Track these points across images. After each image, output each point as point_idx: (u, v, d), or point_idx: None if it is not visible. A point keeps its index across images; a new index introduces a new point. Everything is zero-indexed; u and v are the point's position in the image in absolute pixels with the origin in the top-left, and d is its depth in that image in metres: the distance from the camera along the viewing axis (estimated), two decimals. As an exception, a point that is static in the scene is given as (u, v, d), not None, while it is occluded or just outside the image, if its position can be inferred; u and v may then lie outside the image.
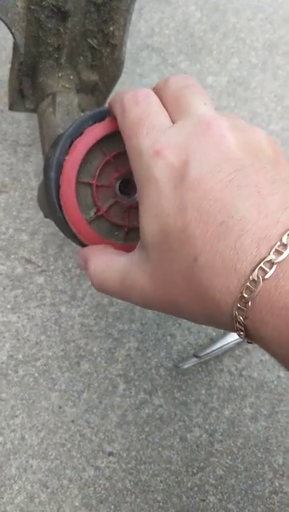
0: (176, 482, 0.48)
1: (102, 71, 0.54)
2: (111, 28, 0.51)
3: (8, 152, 0.59)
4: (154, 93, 0.33)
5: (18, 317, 0.53)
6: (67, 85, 0.54)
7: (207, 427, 0.50)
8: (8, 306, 0.53)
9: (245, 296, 0.25)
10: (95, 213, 0.36)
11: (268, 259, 0.24)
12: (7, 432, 0.49)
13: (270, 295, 0.25)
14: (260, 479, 0.48)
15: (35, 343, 0.52)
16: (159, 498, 0.48)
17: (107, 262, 0.33)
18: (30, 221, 0.57)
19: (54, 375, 0.51)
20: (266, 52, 0.71)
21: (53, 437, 0.49)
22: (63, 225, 0.38)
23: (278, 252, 0.24)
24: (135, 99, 0.32)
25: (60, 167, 0.37)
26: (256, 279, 0.25)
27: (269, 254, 0.25)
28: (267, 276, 0.24)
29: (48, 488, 0.48)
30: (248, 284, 0.25)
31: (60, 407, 0.50)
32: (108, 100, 0.45)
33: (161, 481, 0.48)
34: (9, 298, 0.53)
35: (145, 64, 0.69)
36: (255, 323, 0.26)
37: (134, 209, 0.37)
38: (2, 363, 0.51)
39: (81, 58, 0.54)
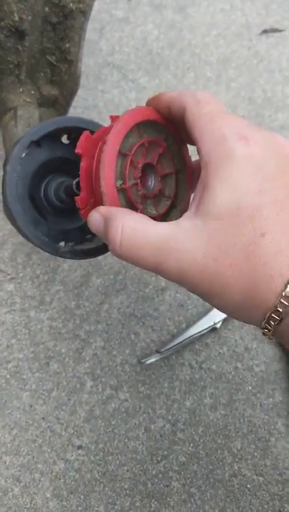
0: (141, 470, 0.49)
1: (61, 86, 0.56)
2: (67, 45, 0.53)
3: (-24, 166, 0.60)
4: None
5: (-11, 322, 0.53)
6: (28, 100, 0.55)
7: (170, 417, 0.51)
8: (-21, 312, 0.54)
9: None
10: (121, 185, 0.37)
11: None
12: (-20, 432, 0.49)
13: None
14: (220, 464, 0.50)
15: (6, 346, 0.53)
16: (126, 486, 0.48)
17: (141, 223, 0.31)
18: (-1, 231, 0.57)
19: (25, 376, 0.52)
20: (220, 66, 0.74)
21: (25, 434, 0.50)
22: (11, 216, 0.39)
23: None
24: (210, 96, 0.34)
25: (16, 163, 0.39)
26: None
27: None
28: None
29: (20, 482, 0.48)
30: None
31: (31, 406, 0.51)
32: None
33: (127, 470, 0.49)
34: (-20, 304, 0.54)
35: (107, 80, 0.70)
36: None
37: (147, 199, 0.38)
38: (-26, 366, 0.52)
39: (41, 74, 0.55)
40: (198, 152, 0.31)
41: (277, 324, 0.28)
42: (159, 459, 0.50)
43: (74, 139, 0.45)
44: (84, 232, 0.45)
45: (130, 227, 0.31)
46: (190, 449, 0.50)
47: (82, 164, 0.37)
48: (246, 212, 0.28)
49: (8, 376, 0.52)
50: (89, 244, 0.44)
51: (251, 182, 0.29)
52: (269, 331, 0.29)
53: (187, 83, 0.72)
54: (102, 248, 0.43)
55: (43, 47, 0.53)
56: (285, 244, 0.27)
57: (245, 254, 0.28)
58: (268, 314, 0.28)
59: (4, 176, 0.39)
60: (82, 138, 0.37)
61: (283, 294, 0.27)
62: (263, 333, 0.29)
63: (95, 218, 0.33)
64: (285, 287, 0.27)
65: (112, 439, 0.50)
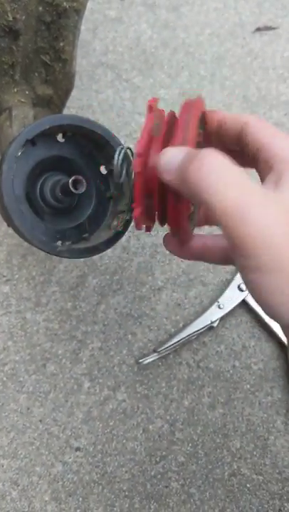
0: (140, 471, 0.49)
1: (56, 85, 0.55)
2: (61, 44, 0.52)
3: None
4: None
5: (-15, 324, 0.53)
6: (22, 100, 0.55)
7: (168, 417, 0.51)
8: (-25, 314, 0.53)
9: None
10: None
11: None
12: (-23, 435, 0.49)
13: None
14: (219, 463, 0.49)
15: (2, 348, 0.53)
16: (124, 488, 0.48)
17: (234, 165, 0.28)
18: (-6, 232, 0.57)
19: (21, 378, 0.52)
20: (214, 65, 0.73)
21: (22, 437, 0.49)
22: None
23: None
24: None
25: (12, 162, 0.39)
26: None
27: None
28: None
29: (18, 485, 0.48)
30: None
31: (28, 408, 0.50)
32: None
33: (126, 471, 0.49)
34: (-25, 306, 0.54)
35: (101, 80, 0.70)
36: None
37: None
38: None
39: (36, 74, 0.55)
40: (265, 154, 0.31)
41: None
42: (157, 459, 0.49)
43: (69, 137, 0.44)
44: (81, 231, 0.45)
45: (222, 162, 0.28)
46: (189, 448, 0.50)
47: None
48: None
49: (4, 379, 0.51)
50: (86, 243, 0.43)
51: None
52: None
53: (181, 82, 0.72)
54: (100, 246, 0.43)
55: (37, 46, 0.52)
56: None
57: None
58: None
59: (0, 175, 0.39)
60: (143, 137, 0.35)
61: None
62: None
63: (174, 153, 0.30)
64: None
65: (110, 440, 0.50)
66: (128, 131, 0.67)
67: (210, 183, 0.27)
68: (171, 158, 0.30)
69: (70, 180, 0.39)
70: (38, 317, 0.54)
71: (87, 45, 0.72)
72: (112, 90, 0.70)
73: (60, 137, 0.44)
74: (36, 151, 0.43)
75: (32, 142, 0.41)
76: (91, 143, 0.45)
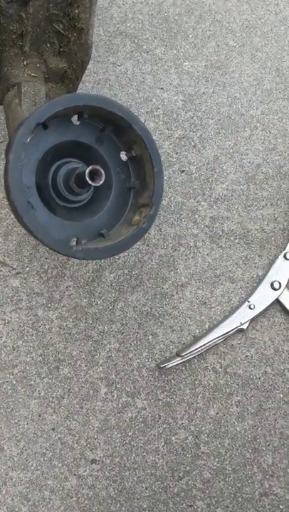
0: (161, 488, 0.45)
1: (70, 57, 0.50)
2: (76, 11, 0.47)
3: (-23, 148, 0.55)
4: None
5: (-7, 322, 0.49)
6: (33, 74, 0.49)
7: (192, 428, 0.47)
8: (-18, 311, 0.49)
9: None
10: None
11: None
12: (-15, 443, 0.45)
13: None
14: (249, 481, 0.45)
15: (12, 348, 0.48)
16: (144, 506, 0.44)
17: None
18: (3, 221, 0.52)
19: (32, 382, 0.47)
20: (244, 34, 0.67)
21: (33, 447, 0.45)
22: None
23: None
24: None
25: (20, 150, 0.34)
26: None
27: None
28: None
29: (29, 500, 0.44)
30: None
31: (39, 415, 0.46)
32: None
33: (146, 488, 0.45)
34: (-17, 302, 0.49)
35: (119, 51, 0.64)
36: None
37: None
38: (-23, 370, 0.47)
39: (48, 45, 0.49)
40: None
41: None
42: (181, 475, 0.45)
43: (85, 120, 0.39)
44: (98, 226, 0.40)
45: None
46: (215, 464, 0.46)
47: None
48: None
49: (14, 382, 0.47)
50: (104, 242, 0.39)
51: None
52: None
53: (207, 53, 0.65)
54: (120, 245, 0.38)
55: (50, 13, 0.47)
56: None
57: None
58: None
59: (6, 165, 0.34)
60: None
61: None
62: None
63: None
64: None
65: (129, 453, 0.46)
66: (149, 108, 0.61)
67: None
68: None
69: (87, 171, 0.34)
70: (51, 314, 0.50)
71: (103, 11, 0.65)
72: (132, 62, 0.64)
73: (75, 119, 0.39)
74: (48, 135, 0.38)
75: (43, 125, 0.36)
76: (110, 126, 0.39)
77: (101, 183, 0.35)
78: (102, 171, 0.35)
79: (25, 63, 0.49)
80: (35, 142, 0.36)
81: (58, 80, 0.52)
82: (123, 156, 0.41)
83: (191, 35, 0.66)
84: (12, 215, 0.53)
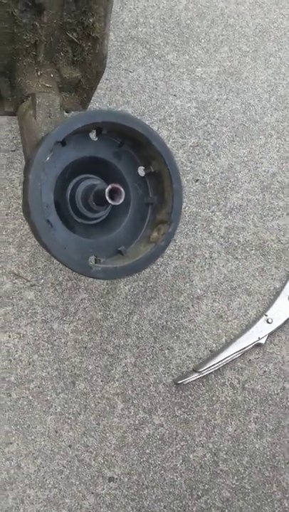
0: (180, 507, 0.44)
1: (85, 67, 0.48)
2: (91, 20, 0.45)
3: (-12, 159, 0.54)
4: None
5: (9, 336, 0.48)
6: (47, 84, 0.48)
7: (211, 445, 0.46)
8: (-3, 325, 0.48)
9: None
10: None
11: None
12: (2, 461, 0.44)
13: None
14: (268, 500, 0.44)
15: (27, 363, 0.48)
16: (163, 525, 0.44)
17: None
18: (17, 232, 0.51)
19: (49, 397, 0.47)
20: (257, 39, 0.65)
21: (50, 464, 0.45)
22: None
23: None
24: None
25: (40, 170, 0.33)
26: None
27: None
28: None
29: (46, 519, 0.43)
30: None
31: (56, 431, 0.46)
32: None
33: (165, 507, 0.44)
34: (-3, 316, 0.48)
35: (130, 57, 0.62)
36: None
37: None
38: (-8, 386, 0.46)
39: (61, 54, 0.48)
40: None
41: None
42: (199, 493, 0.44)
43: (104, 135, 0.38)
44: (116, 243, 0.39)
45: None
46: (234, 482, 0.45)
47: None
48: None
49: (30, 397, 0.47)
50: (122, 260, 0.37)
51: None
52: None
53: (220, 59, 0.64)
54: (139, 265, 0.37)
55: (63, 22, 0.45)
56: None
57: None
58: None
59: (26, 184, 0.33)
60: None
61: None
62: None
63: None
64: None
65: (147, 470, 0.45)
66: (162, 116, 0.60)
67: None
68: None
69: (107, 190, 0.33)
70: (66, 328, 0.49)
71: (114, 16, 0.64)
72: (144, 68, 0.62)
73: (93, 135, 0.38)
74: (66, 152, 0.36)
75: (62, 142, 0.35)
76: (129, 141, 0.38)
77: (121, 201, 0.34)
78: (122, 190, 0.33)
79: (39, 73, 0.47)
80: (54, 159, 0.35)
81: (72, 90, 0.51)
82: (141, 172, 0.40)
83: (203, 40, 0.65)
84: (26, 226, 0.52)
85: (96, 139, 0.38)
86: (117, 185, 0.33)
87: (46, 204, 0.35)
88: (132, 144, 0.38)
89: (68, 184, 0.38)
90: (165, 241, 0.37)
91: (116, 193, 0.33)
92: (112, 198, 0.33)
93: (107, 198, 0.33)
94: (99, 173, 0.39)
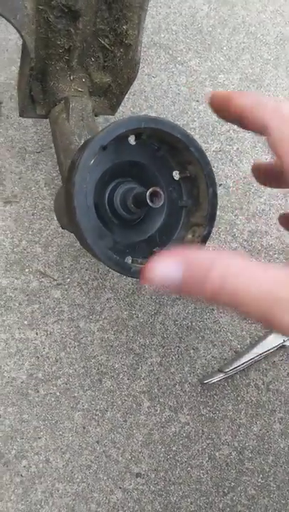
0: (206, 503, 0.45)
1: (116, 72, 0.49)
2: (124, 27, 0.46)
3: (16, 160, 0.55)
4: None
5: (36, 334, 0.49)
6: (79, 89, 0.49)
7: (236, 444, 0.47)
8: (25, 323, 0.49)
9: None
10: None
11: None
12: (31, 455, 0.45)
13: None
14: (293, 498, 0.45)
15: (55, 360, 0.48)
16: (190, 521, 0.44)
17: (248, 268, 0.26)
18: (43, 232, 0.52)
19: (76, 394, 0.47)
20: (278, 47, 0.66)
21: (78, 459, 0.46)
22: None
23: None
24: None
25: (86, 172, 0.34)
26: None
27: None
28: None
29: (75, 513, 0.44)
30: None
31: (83, 427, 0.47)
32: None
33: (191, 503, 0.45)
34: (26, 314, 0.49)
35: (153, 63, 0.64)
36: None
37: None
38: (22, 382, 0.47)
39: (92, 59, 0.49)
40: (285, 171, 0.28)
41: None
42: (225, 490, 0.45)
43: (143, 140, 0.39)
44: (151, 244, 0.40)
45: (234, 273, 0.25)
46: (260, 480, 0.46)
47: None
48: None
49: (58, 393, 0.47)
50: None
51: None
52: None
53: (242, 66, 0.65)
54: None
55: (96, 28, 0.46)
56: None
57: None
58: None
59: (72, 187, 0.34)
60: None
61: None
62: None
63: (170, 268, 0.26)
64: None
65: (174, 467, 0.46)
66: (185, 121, 0.61)
67: (234, 303, 0.25)
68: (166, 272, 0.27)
69: (148, 193, 0.34)
70: (93, 326, 0.50)
71: (139, 23, 0.65)
72: (166, 74, 0.64)
73: (132, 140, 0.39)
74: (106, 155, 0.38)
75: (103, 147, 0.36)
76: (166, 146, 0.39)
77: (160, 204, 0.35)
78: (162, 193, 0.34)
79: (71, 78, 0.48)
80: (96, 163, 0.36)
81: (102, 94, 0.52)
82: (176, 175, 0.41)
83: (225, 48, 0.66)
84: (51, 226, 0.53)
85: (134, 143, 0.39)
86: (158, 189, 0.34)
87: (88, 207, 0.36)
88: (168, 148, 0.39)
89: (107, 187, 0.39)
90: (201, 243, 0.38)
91: (156, 196, 0.34)
92: (152, 201, 0.34)
93: (148, 200, 0.34)
94: (135, 176, 0.40)
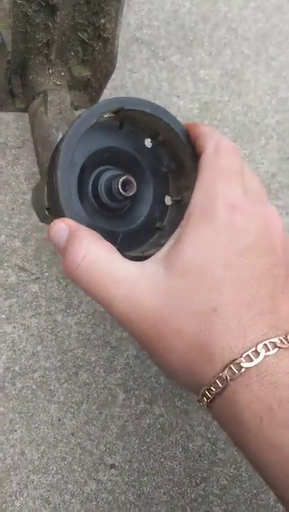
0: (179, 493, 0.46)
1: (94, 66, 0.50)
2: (102, 21, 0.47)
3: (-4, 154, 0.55)
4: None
5: (14, 327, 0.49)
6: (58, 82, 0.49)
7: (209, 435, 0.47)
8: (3, 316, 0.49)
9: (243, 361, 0.26)
10: None
11: (273, 340, 0.26)
12: (6, 447, 0.46)
13: (267, 370, 0.26)
14: (264, 488, 0.46)
15: (31, 354, 0.49)
16: (162, 511, 0.45)
17: (107, 255, 0.30)
18: (22, 227, 0.53)
19: (52, 387, 0.48)
20: (259, 43, 0.67)
21: (53, 451, 0.46)
22: None
23: (282, 341, 0.27)
24: (232, 149, 0.33)
25: (67, 166, 0.34)
26: (260, 352, 0.26)
27: (274, 337, 0.27)
28: (268, 354, 0.26)
29: (49, 503, 0.45)
30: (249, 353, 0.26)
31: (59, 420, 0.47)
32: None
33: (164, 493, 0.46)
34: (3, 308, 0.50)
35: (135, 58, 0.64)
36: (237, 386, 0.26)
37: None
38: (-2, 375, 0.48)
39: (72, 53, 0.49)
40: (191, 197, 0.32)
41: (210, 402, 0.28)
42: (198, 481, 0.46)
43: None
44: (138, 235, 0.40)
45: (94, 255, 0.30)
46: (232, 470, 0.47)
47: None
48: (207, 281, 0.28)
49: (34, 387, 0.48)
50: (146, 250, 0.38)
51: (222, 252, 0.28)
52: (202, 404, 0.29)
53: (223, 61, 0.65)
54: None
55: (75, 23, 0.47)
56: (234, 325, 0.27)
57: (194, 324, 0.27)
58: (202, 390, 0.28)
59: (54, 182, 0.33)
60: None
61: (220, 374, 0.27)
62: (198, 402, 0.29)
63: (61, 228, 0.31)
64: (223, 370, 0.27)
65: (148, 458, 0.46)
66: (165, 116, 0.61)
67: (85, 284, 0.30)
68: (58, 235, 0.32)
69: (120, 182, 0.34)
70: (70, 320, 0.51)
71: (121, 17, 0.65)
72: (148, 69, 0.64)
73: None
74: (86, 144, 0.37)
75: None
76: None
77: (132, 193, 0.35)
78: (134, 182, 0.35)
79: (50, 71, 0.49)
80: (83, 143, 0.36)
81: (81, 88, 0.52)
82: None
83: (206, 43, 0.66)
84: (30, 221, 0.53)
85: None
86: (130, 177, 0.34)
87: (73, 197, 0.36)
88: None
89: (91, 174, 0.38)
90: None
91: (128, 184, 0.35)
92: (124, 190, 0.35)
93: (121, 190, 0.34)
94: (121, 166, 0.39)
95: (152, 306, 0.28)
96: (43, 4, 0.44)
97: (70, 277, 0.30)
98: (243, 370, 0.26)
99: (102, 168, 0.38)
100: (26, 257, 0.52)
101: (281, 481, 0.26)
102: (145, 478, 0.46)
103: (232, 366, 0.26)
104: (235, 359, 0.27)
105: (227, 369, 0.27)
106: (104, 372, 0.49)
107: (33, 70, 0.48)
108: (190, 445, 0.47)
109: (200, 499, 0.46)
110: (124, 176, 0.34)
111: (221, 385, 0.27)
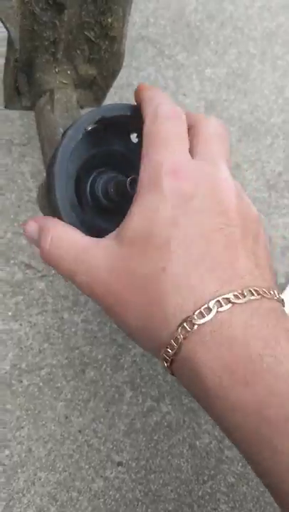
0: (186, 491, 0.46)
1: (101, 65, 0.50)
2: (109, 20, 0.47)
3: (2, 152, 0.55)
4: (185, 117, 0.34)
5: (20, 325, 0.50)
6: (64, 81, 0.50)
7: (216, 433, 0.48)
8: (10, 314, 0.50)
9: (196, 318, 0.26)
10: None
11: (227, 296, 0.26)
12: (13, 445, 0.46)
13: (221, 326, 0.26)
14: (271, 486, 0.46)
15: (38, 351, 0.49)
16: (170, 508, 0.45)
17: (68, 234, 0.33)
18: (29, 224, 0.53)
19: (59, 384, 0.48)
20: (265, 42, 0.68)
21: (61, 448, 0.46)
22: None
23: (237, 297, 0.26)
24: (172, 113, 0.33)
25: (65, 163, 0.35)
26: (212, 308, 0.26)
27: (228, 293, 0.27)
28: (221, 310, 0.26)
29: (57, 501, 0.45)
30: (202, 309, 0.26)
31: (66, 417, 0.47)
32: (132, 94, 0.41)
33: (171, 491, 0.46)
34: (10, 305, 0.50)
35: (141, 56, 0.64)
36: (193, 345, 0.26)
37: None
38: (5, 372, 0.48)
39: (78, 52, 0.50)
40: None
41: (171, 364, 0.28)
42: (205, 478, 0.46)
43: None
44: None
45: (58, 237, 0.32)
46: (239, 468, 0.47)
47: None
48: (156, 242, 0.28)
49: (41, 384, 0.48)
50: None
51: (169, 214, 0.29)
52: (166, 368, 0.29)
53: (229, 60, 0.66)
54: None
55: (82, 21, 0.47)
56: (183, 283, 0.27)
57: (144, 285, 0.28)
58: (161, 352, 0.28)
59: (52, 178, 0.34)
60: None
61: (174, 334, 0.27)
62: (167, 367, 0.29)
63: (30, 226, 0.35)
64: (176, 329, 0.27)
65: (155, 456, 0.47)
66: (171, 115, 0.61)
67: (55, 264, 0.33)
68: (30, 234, 0.35)
69: (128, 181, 0.35)
70: (76, 318, 0.51)
71: (127, 16, 0.66)
72: (154, 68, 0.64)
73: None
74: (84, 147, 0.38)
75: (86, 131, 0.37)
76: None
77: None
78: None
79: (56, 70, 0.49)
80: (74, 153, 0.37)
81: (87, 87, 0.53)
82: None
83: (212, 42, 0.67)
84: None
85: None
86: (137, 177, 0.35)
87: (70, 197, 0.37)
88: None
89: (88, 176, 0.39)
90: None
91: (136, 183, 0.35)
92: (132, 189, 0.35)
93: (129, 188, 0.35)
94: (113, 166, 0.40)
95: (108, 274, 0.30)
96: (51, 3, 0.45)
97: (47, 262, 0.33)
98: (195, 327, 0.26)
99: (96, 172, 0.39)
100: (33, 254, 0.52)
101: (246, 443, 0.26)
102: (152, 476, 0.46)
103: (185, 324, 0.26)
104: (188, 317, 0.26)
105: (180, 328, 0.26)
106: (111, 369, 0.49)
107: (39, 68, 0.48)
108: (197, 443, 0.47)
109: (207, 497, 0.46)
110: (121, 177, 0.35)
111: (175, 345, 0.27)
